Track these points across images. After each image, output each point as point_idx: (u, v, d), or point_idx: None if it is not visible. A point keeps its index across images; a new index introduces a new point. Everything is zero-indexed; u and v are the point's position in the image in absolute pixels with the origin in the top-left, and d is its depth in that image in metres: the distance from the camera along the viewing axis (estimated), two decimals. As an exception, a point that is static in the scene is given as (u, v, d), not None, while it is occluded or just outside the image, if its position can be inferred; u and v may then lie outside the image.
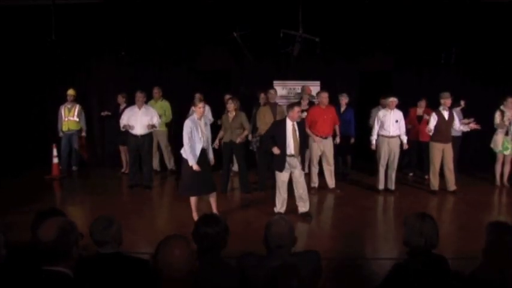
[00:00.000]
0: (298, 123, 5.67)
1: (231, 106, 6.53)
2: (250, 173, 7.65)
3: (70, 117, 8.22)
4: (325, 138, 6.93)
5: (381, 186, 7.01)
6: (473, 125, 6.83)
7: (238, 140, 6.63)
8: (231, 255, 2.61)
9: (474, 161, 8.40)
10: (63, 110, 8.22)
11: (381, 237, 5.31)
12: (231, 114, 6.59)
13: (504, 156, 7.34)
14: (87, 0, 7.87)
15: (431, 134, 6.79)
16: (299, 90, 8.51)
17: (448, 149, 6.82)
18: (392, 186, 7.01)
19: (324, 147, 6.95)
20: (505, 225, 2.57)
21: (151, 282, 2.14)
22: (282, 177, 5.72)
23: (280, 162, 5.65)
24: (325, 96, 6.92)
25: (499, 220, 2.81)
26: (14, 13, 7.93)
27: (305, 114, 7.20)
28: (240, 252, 2.62)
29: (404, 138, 6.88)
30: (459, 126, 6.87)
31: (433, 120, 6.75)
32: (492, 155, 7.58)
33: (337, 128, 7.18)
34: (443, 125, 6.73)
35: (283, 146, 5.56)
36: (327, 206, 6.64)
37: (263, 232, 2.54)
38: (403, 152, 7.09)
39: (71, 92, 8.22)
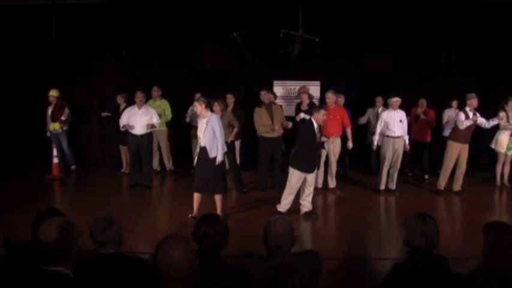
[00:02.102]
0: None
1: (217, 108, 6.42)
2: (251, 173, 7.66)
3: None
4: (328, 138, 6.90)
5: (383, 186, 7.01)
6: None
7: (230, 139, 6.62)
8: (231, 255, 2.61)
9: (474, 161, 8.39)
10: (50, 111, 8.20)
11: (382, 237, 5.32)
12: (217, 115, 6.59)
13: (505, 156, 7.34)
14: (87, 0, 7.87)
15: (468, 123, 6.57)
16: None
17: (465, 150, 6.76)
18: (393, 186, 7.01)
19: (328, 147, 6.94)
20: (504, 225, 2.57)
21: (151, 283, 2.14)
22: (300, 177, 5.62)
23: (311, 163, 5.63)
24: (329, 96, 6.92)
25: (497, 220, 2.81)
26: (14, 13, 7.93)
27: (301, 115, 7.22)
28: (240, 252, 2.62)
29: (407, 139, 6.87)
30: (487, 124, 6.75)
31: (462, 117, 6.60)
32: (492, 155, 7.58)
33: (348, 131, 7.05)
34: (469, 125, 6.64)
35: (312, 146, 5.60)
36: (328, 206, 6.64)
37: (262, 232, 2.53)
38: (403, 152, 7.08)
39: (51, 92, 8.12)
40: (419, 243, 2.49)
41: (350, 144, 7.04)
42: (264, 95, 6.97)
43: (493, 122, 6.79)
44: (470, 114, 6.67)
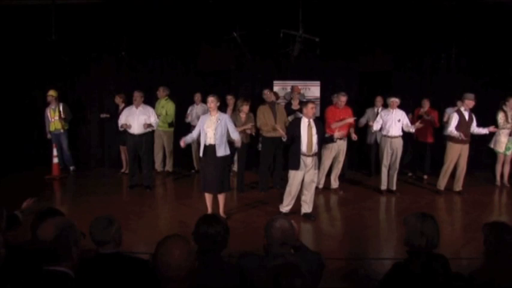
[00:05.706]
0: (315, 122, 5.61)
1: (247, 108, 6.61)
2: (252, 173, 7.66)
3: (56, 117, 8.17)
4: (341, 139, 6.89)
5: (384, 186, 7.00)
6: (492, 129, 6.75)
7: (253, 132, 6.87)
8: (231, 255, 2.61)
9: (474, 161, 8.39)
10: (49, 112, 8.19)
11: (382, 238, 5.30)
12: (244, 114, 6.66)
13: (504, 156, 7.33)
14: (87, 0, 7.86)
15: (453, 134, 6.64)
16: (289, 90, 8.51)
17: (466, 150, 6.75)
18: (393, 186, 7.00)
19: (338, 148, 6.93)
20: (504, 225, 2.57)
21: (151, 283, 2.14)
22: (296, 176, 5.58)
23: (295, 161, 5.56)
24: (343, 99, 6.89)
25: (497, 220, 2.81)
26: (14, 13, 7.92)
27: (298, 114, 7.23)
28: (240, 252, 2.62)
29: (411, 128, 6.80)
30: (476, 129, 6.74)
31: (455, 120, 6.64)
32: (492, 155, 7.58)
33: (352, 128, 7.04)
34: (464, 126, 6.64)
35: (298, 144, 5.51)
36: (330, 206, 6.64)
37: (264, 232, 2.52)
38: (403, 152, 7.07)
39: (51, 92, 8.11)
40: (419, 243, 2.49)
41: (354, 136, 6.87)
42: (268, 94, 7.07)
43: (482, 130, 6.74)
44: (466, 115, 6.67)
